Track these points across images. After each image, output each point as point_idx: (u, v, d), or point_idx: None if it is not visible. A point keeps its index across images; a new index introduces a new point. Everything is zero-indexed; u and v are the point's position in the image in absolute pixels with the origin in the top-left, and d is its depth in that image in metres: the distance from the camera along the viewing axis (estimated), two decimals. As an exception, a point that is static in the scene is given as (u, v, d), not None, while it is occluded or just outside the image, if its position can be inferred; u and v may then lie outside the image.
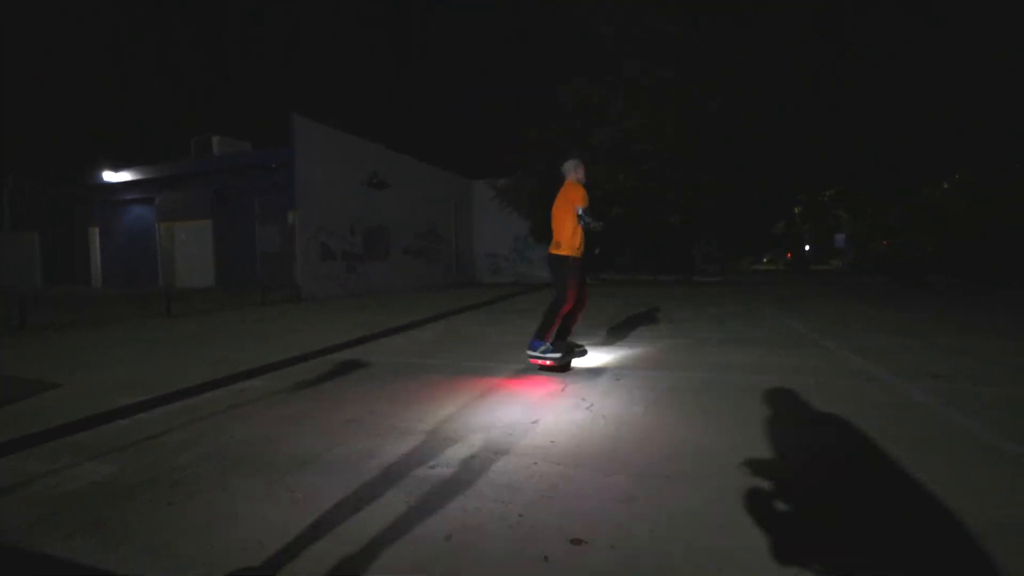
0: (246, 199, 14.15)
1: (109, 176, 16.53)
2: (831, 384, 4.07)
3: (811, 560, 1.79)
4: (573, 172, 4.45)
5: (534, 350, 4.38)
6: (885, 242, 31.53)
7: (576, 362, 5.00)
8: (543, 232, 21.77)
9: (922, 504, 2.16)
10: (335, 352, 5.71)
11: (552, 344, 4.43)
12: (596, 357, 5.28)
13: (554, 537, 1.98)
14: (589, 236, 4.51)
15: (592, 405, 3.64)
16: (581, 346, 4.71)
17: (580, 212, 4.22)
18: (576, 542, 1.95)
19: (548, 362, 4.45)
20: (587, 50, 19.70)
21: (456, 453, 2.80)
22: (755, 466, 2.55)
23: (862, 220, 31.87)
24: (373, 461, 2.72)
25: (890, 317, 8.21)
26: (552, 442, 2.95)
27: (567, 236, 4.38)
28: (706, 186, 19.97)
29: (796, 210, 35.48)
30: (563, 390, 3.99)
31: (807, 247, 37.69)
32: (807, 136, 23.00)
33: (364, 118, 22.27)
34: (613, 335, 6.78)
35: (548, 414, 3.46)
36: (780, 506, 2.18)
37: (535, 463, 2.66)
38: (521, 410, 3.54)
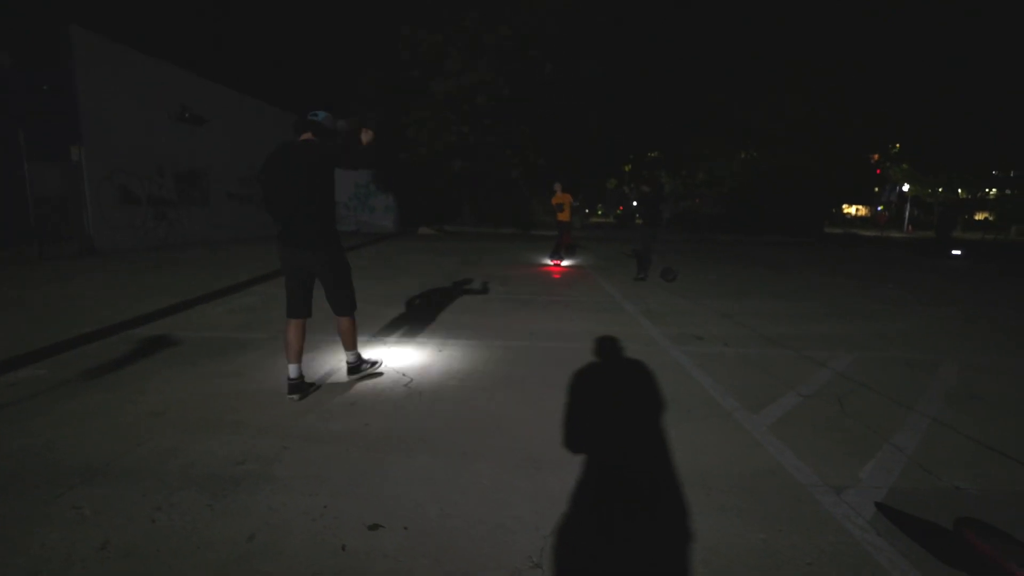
0: (4, 129, 11.57)
1: None
2: (622, 351, 4.78)
3: (572, 526, 2.25)
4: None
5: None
6: (697, 199, 36.09)
7: (405, 335, 5.18)
8: (385, 181, 21.15)
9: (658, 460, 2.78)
10: (137, 327, 5.19)
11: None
12: (424, 325, 5.50)
13: (354, 525, 2.20)
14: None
15: (411, 381, 3.87)
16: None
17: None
18: (373, 527, 2.18)
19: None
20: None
21: (268, 446, 2.85)
22: (545, 438, 3.01)
23: (678, 180, 35.94)
24: (176, 461, 2.67)
25: (684, 282, 9.61)
26: (366, 425, 3.14)
27: None
28: (544, 143, 20.81)
29: (626, 168, 38.70)
30: (385, 365, 4.15)
31: (635, 203, 41.51)
32: (638, 103, 25.03)
33: (172, 39, 19.06)
34: (445, 298, 7.02)
35: (367, 394, 3.62)
36: (554, 479, 2.64)
37: (347, 450, 2.83)
38: (341, 391, 3.65)
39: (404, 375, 3.98)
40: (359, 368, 3.88)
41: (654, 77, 24.57)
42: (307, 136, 3.36)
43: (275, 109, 18.61)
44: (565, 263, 12.00)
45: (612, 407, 3.42)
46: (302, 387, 3.49)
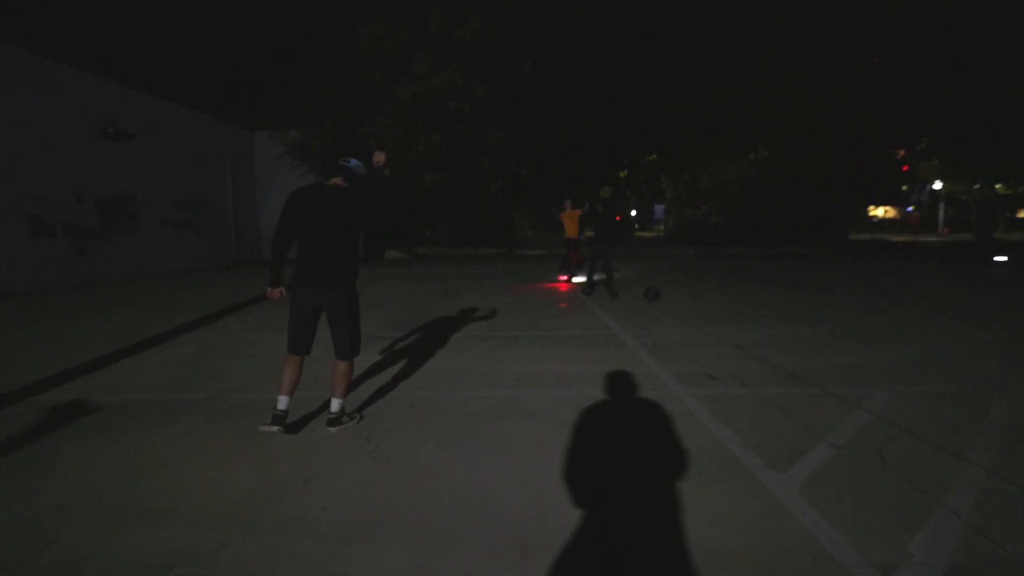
0: None
1: None
2: (624, 398, 4.71)
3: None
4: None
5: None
6: (701, 205, 36.67)
7: (370, 386, 5.07)
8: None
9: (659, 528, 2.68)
10: (44, 391, 4.99)
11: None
12: (394, 374, 5.39)
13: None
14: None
15: (377, 447, 3.75)
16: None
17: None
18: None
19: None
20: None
21: (204, 541, 2.71)
22: (534, 513, 2.90)
23: (680, 186, 36.50)
24: (89, 569, 2.51)
25: (687, 305, 9.65)
26: (323, 508, 3.00)
27: None
28: (525, 151, 21.02)
29: (621, 175, 39.33)
30: (346, 429, 4.03)
31: (633, 212, 42.12)
32: (632, 102, 25.49)
33: (95, 46, 18.99)
34: (418, 339, 6.95)
35: (324, 466, 3.48)
36: (544, 566, 2.53)
37: (298, 542, 2.69)
38: (291, 463, 3.51)
39: (369, 440, 3.86)
40: (340, 420, 4.01)
41: (649, 75, 25.14)
42: (337, 181, 3.90)
43: (218, 122, 18.56)
44: (575, 280, 12.98)
45: (613, 470, 3.33)
46: (283, 422, 3.84)
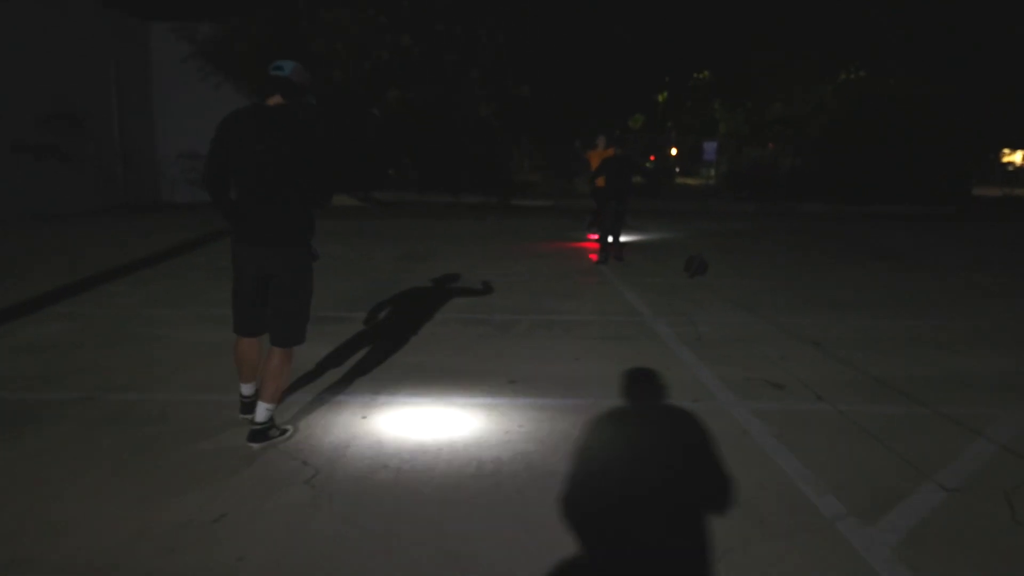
0: None
1: None
2: (655, 413, 4.70)
3: None
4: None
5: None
6: (770, 143, 36.53)
7: (313, 387, 5.05)
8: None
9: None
10: None
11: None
12: (344, 370, 5.37)
13: None
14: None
15: (317, 474, 3.73)
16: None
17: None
18: None
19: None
20: None
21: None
22: None
23: (740, 116, 36.23)
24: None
25: (744, 284, 9.68)
26: (240, 559, 2.97)
27: None
28: (530, 63, 20.79)
29: (660, 98, 39.06)
30: (275, 447, 4.00)
31: (674, 151, 41.85)
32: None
33: None
34: (377, 320, 6.98)
35: (243, 498, 3.46)
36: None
37: (204, 610, 2.67)
38: (198, 494, 3.48)
39: (306, 463, 3.84)
40: (266, 434, 4.02)
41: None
42: (276, 99, 3.86)
43: (97, 7, 18.21)
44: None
45: (635, 517, 3.32)
46: (253, 408, 4.03)
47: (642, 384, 5.19)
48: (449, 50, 20.05)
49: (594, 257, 11.58)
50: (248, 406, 4.15)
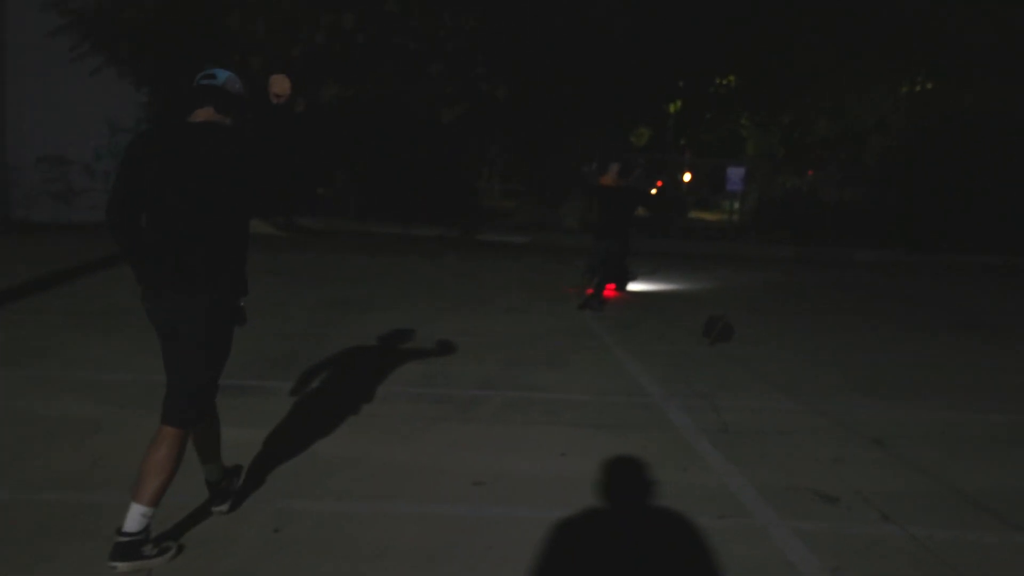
0: None
1: None
2: (666, 532, 4.60)
3: None
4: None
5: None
6: (810, 171, 36.97)
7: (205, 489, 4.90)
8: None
9: None
10: None
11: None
12: (253, 462, 5.21)
13: None
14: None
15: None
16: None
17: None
18: None
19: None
20: None
21: None
22: None
23: (774, 134, 36.72)
24: None
25: (782, 356, 9.70)
26: None
27: None
28: (506, 57, 20.93)
29: (671, 108, 39.47)
30: (148, 571, 3.85)
31: (687, 176, 42.21)
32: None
33: None
34: (300, 395, 6.87)
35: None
36: None
37: None
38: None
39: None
40: (138, 551, 3.79)
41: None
42: (207, 114, 4.05)
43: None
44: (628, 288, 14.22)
45: None
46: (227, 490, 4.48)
47: (651, 492, 5.12)
48: (402, 37, 20.09)
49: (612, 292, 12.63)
50: (214, 496, 4.45)
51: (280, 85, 4.16)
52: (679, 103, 39.17)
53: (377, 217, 23.92)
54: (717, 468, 5.60)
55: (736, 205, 35.82)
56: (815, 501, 5.12)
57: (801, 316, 12.72)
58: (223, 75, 4.06)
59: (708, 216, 44.42)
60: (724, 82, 36.89)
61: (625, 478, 5.32)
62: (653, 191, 36.73)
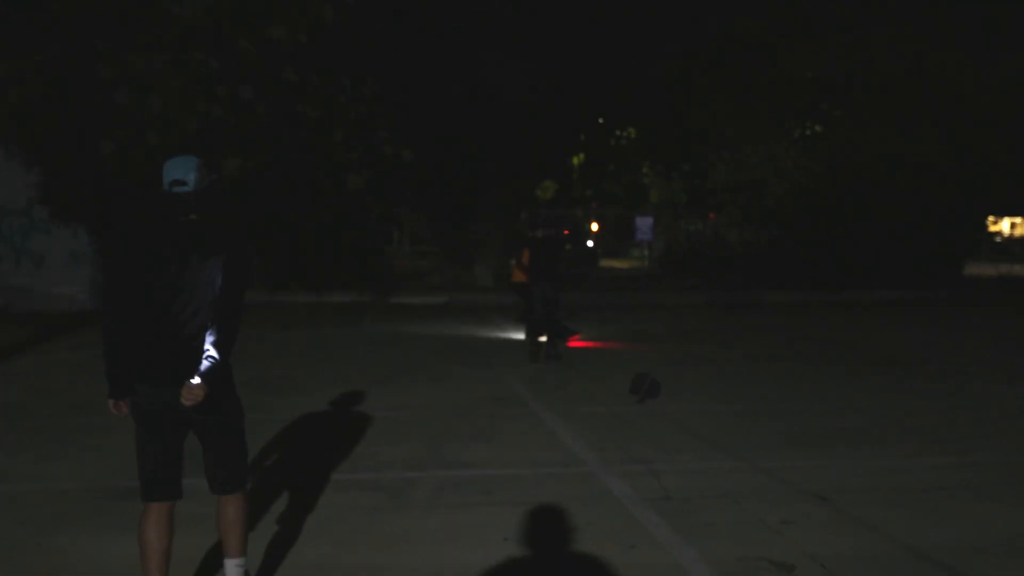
0: None
1: None
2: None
3: None
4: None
5: None
6: (712, 214, 37.58)
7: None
8: (69, 197, 20.22)
9: None
10: None
11: None
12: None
13: None
14: None
15: None
16: None
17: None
18: None
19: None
20: None
21: None
22: None
23: (675, 182, 37.18)
24: None
25: (711, 409, 9.62)
26: None
27: None
28: (411, 119, 20.87)
29: (575, 160, 39.96)
30: None
31: (595, 226, 42.65)
32: (601, 31, 25.93)
33: None
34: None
35: None
36: None
37: None
38: None
39: None
40: None
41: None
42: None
43: None
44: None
45: None
46: None
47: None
48: (303, 105, 19.86)
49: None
50: None
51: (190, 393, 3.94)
52: (582, 156, 39.71)
53: (288, 287, 23.52)
54: (666, 542, 5.36)
55: (645, 252, 36.25)
56: (771, 571, 4.92)
57: (723, 365, 12.67)
58: (191, 176, 3.94)
59: (618, 264, 44.82)
60: (624, 134, 37.54)
61: (574, 563, 5.05)
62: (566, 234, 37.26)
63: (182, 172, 3.95)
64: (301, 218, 22.60)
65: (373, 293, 23.70)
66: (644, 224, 31.26)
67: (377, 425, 8.65)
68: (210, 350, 3.89)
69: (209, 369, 3.82)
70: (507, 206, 28.77)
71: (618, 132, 37.45)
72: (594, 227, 43.80)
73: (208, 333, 3.94)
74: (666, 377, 10.52)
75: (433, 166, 23.18)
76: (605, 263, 43.96)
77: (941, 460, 7.33)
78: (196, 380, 3.84)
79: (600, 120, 34.73)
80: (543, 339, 12.79)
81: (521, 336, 14.60)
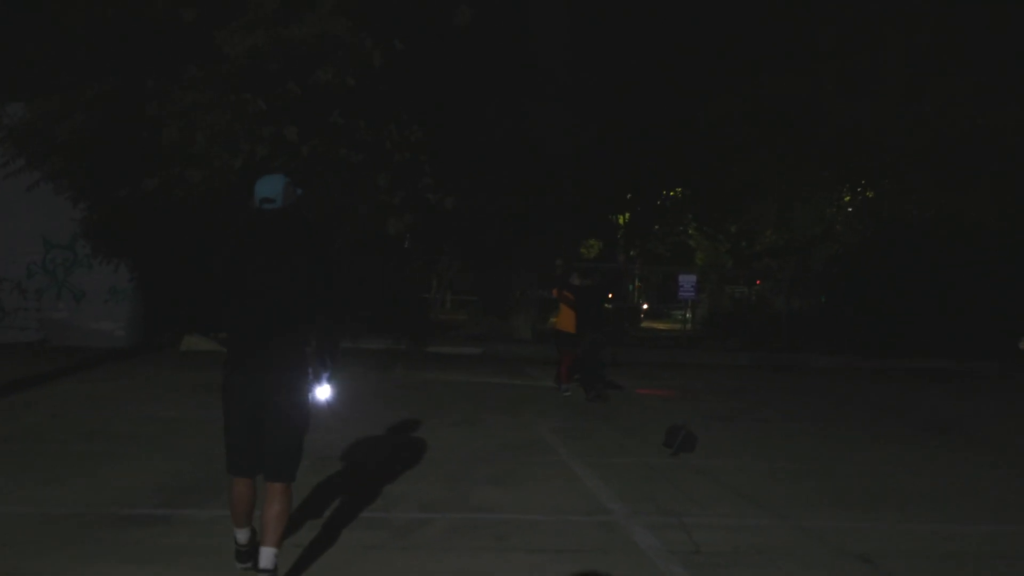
0: None
1: None
2: None
3: None
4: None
5: None
6: (758, 281, 37.12)
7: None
8: (111, 233, 20.28)
9: None
10: None
11: None
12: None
13: None
14: None
15: None
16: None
17: None
18: None
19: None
20: None
21: None
22: None
23: (723, 245, 36.89)
24: None
25: (750, 466, 9.20)
26: None
27: None
28: (454, 167, 20.80)
29: (620, 219, 39.79)
30: None
31: (634, 285, 42.40)
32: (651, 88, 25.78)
33: None
34: (213, 519, 6.18)
35: None
36: None
37: None
38: None
39: None
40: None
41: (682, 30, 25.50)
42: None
43: None
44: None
45: None
46: (252, 557, 4.63)
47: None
48: (347, 148, 19.83)
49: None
50: (243, 555, 4.74)
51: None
52: (627, 215, 39.55)
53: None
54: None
55: (688, 315, 35.82)
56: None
57: (764, 424, 12.31)
58: (278, 194, 4.50)
59: (659, 325, 44.50)
60: (671, 193, 37.30)
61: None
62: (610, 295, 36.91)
63: (271, 191, 4.52)
64: (339, 260, 22.55)
65: (409, 341, 23.64)
66: (687, 281, 30.81)
67: (396, 464, 8.42)
68: (316, 345, 4.69)
69: (319, 363, 4.67)
70: (549, 259, 28.77)
71: (665, 191, 37.18)
72: (637, 287, 43.67)
73: (310, 332, 4.67)
74: (703, 432, 10.25)
75: (476, 215, 23.07)
76: (646, 324, 43.67)
77: (996, 528, 6.92)
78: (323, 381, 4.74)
79: (647, 177, 34.53)
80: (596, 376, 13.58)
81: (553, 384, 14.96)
